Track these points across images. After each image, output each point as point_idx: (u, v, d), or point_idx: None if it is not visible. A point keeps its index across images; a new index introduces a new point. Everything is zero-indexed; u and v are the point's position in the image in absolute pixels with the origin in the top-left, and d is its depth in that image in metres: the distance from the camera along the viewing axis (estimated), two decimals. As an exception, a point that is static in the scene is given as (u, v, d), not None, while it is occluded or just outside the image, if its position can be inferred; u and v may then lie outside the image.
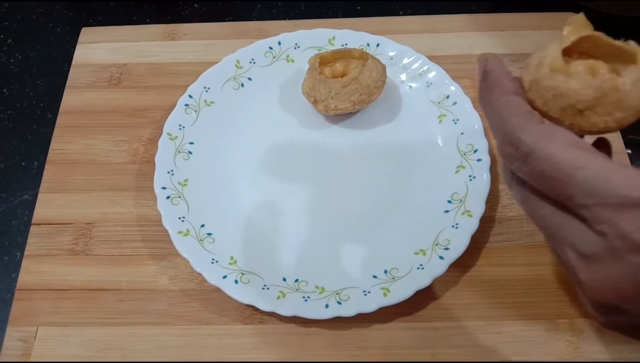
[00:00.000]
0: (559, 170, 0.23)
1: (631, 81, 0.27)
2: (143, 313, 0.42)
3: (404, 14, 0.58)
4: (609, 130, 0.29)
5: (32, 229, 0.45)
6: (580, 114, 0.28)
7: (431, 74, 0.49)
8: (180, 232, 0.42)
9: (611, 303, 0.24)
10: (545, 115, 0.30)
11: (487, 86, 0.26)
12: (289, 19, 0.57)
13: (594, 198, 0.22)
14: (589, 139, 0.29)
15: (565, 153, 0.23)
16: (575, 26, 0.30)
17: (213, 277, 0.40)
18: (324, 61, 0.47)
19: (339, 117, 0.49)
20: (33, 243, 0.45)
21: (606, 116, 0.28)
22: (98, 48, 0.54)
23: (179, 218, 0.43)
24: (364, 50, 0.49)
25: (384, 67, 0.47)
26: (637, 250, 0.22)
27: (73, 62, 0.54)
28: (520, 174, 0.24)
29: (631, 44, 0.29)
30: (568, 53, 0.30)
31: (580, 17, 0.30)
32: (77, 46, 0.55)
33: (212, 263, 0.41)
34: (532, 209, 0.25)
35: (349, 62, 0.47)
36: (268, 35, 0.52)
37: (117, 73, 0.53)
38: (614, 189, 0.22)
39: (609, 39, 0.29)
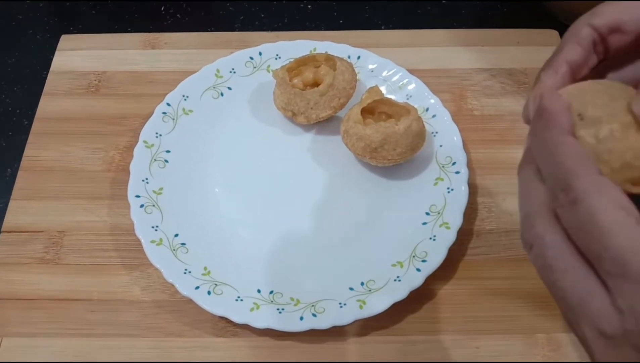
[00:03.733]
0: (598, 228, 0.21)
1: (404, 127, 0.43)
2: (113, 324, 0.41)
3: (385, 29, 0.58)
4: (396, 161, 0.44)
5: (2, 236, 0.44)
6: (375, 150, 0.43)
7: (411, 87, 0.49)
8: (153, 241, 0.41)
9: None
10: (355, 154, 0.44)
11: (543, 124, 0.24)
12: (272, 31, 0.57)
13: (619, 269, 0.21)
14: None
15: (609, 213, 0.21)
16: (370, 94, 0.45)
17: (185, 288, 0.40)
18: (289, 71, 0.47)
19: (318, 123, 0.48)
20: (2, 251, 0.44)
21: (392, 151, 0.43)
22: (77, 55, 0.54)
23: (152, 227, 0.42)
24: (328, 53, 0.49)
25: (352, 65, 0.47)
26: None
27: (51, 69, 0.53)
28: (563, 220, 0.23)
29: (407, 103, 0.45)
30: (370, 111, 0.45)
31: (375, 88, 0.46)
32: (56, 53, 0.54)
33: (185, 273, 0.40)
34: (555, 277, 0.23)
35: (316, 67, 0.47)
36: (250, 46, 0.52)
37: (95, 80, 0.52)
38: (639, 266, 0.20)
39: (393, 101, 0.46)
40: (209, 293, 0.40)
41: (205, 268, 0.41)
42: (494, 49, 0.54)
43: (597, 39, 0.27)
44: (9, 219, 0.45)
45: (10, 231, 0.45)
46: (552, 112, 0.24)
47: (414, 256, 0.41)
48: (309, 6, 0.60)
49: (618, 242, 0.21)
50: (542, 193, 0.24)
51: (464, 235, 0.44)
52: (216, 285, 0.40)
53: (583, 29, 0.27)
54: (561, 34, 0.55)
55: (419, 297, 0.41)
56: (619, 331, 0.21)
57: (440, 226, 0.42)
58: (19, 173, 0.47)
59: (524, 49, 0.54)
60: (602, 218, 0.21)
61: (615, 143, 0.24)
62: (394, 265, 0.41)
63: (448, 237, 0.41)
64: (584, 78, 0.27)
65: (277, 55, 0.51)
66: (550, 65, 0.27)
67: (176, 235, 0.42)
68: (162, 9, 0.60)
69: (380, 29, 0.58)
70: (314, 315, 0.39)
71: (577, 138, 0.24)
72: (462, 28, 0.57)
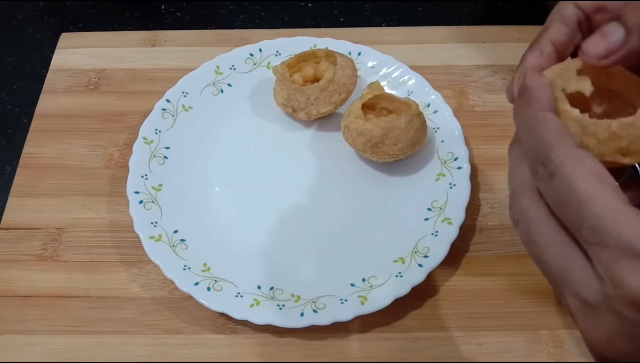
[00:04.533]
0: (575, 198, 0.22)
1: (405, 122, 0.42)
2: (111, 321, 0.40)
3: (386, 26, 0.58)
4: (397, 156, 0.43)
5: (0, 234, 0.44)
6: (376, 146, 0.42)
7: (411, 83, 0.49)
8: (152, 237, 0.41)
9: (607, 356, 0.23)
10: (356, 149, 0.44)
11: (524, 101, 0.25)
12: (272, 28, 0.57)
13: (598, 237, 0.21)
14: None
15: (585, 182, 0.22)
16: (371, 89, 0.45)
17: (184, 284, 0.39)
18: (290, 67, 0.47)
19: (319, 119, 0.48)
20: (0, 248, 0.43)
21: (393, 146, 0.42)
22: (77, 53, 0.54)
23: (152, 223, 0.42)
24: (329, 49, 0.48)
25: (352, 61, 0.47)
26: (631, 303, 0.20)
27: (51, 67, 0.53)
28: (543, 194, 0.23)
29: (408, 98, 0.45)
30: (371, 107, 0.45)
31: (376, 83, 0.46)
32: (56, 51, 0.54)
33: (184, 269, 0.40)
34: (540, 251, 0.24)
35: (317, 63, 0.47)
36: (249, 43, 0.52)
37: (95, 78, 0.52)
38: (617, 233, 0.21)
39: (394, 96, 0.45)
40: (208, 289, 0.39)
41: (204, 264, 0.41)
42: (495, 46, 0.54)
43: (582, 17, 0.27)
44: (7, 216, 0.45)
45: (8, 229, 0.44)
46: (533, 90, 0.24)
47: (415, 252, 0.41)
48: (309, 4, 0.60)
49: (595, 211, 0.21)
50: (526, 169, 0.25)
51: (466, 231, 0.43)
52: (216, 281, 0.40)
53: (568, 8, 0.27)
54: (563, 31, 0.54)
55: (421, 293, 0.41)
56: (600, 298, 0.22)
57: (442, 221, 0.42)
58: (18, 170, 0.47)
59: (525, 45, 0.52)
60: (579, 189, 0.22)
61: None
62: (395, 261, 0.40)
63: (450, 233, 0.41)
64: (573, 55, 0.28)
65: (277, 52, 0.51)
66: (536, 45, 0.27)
67: (175, 231, 0.42)
68: (162, 7, 0.60)
69: (381, 27, 0.58)
70: (314, 311, 0.38)
71: (563, 112, 0.25)
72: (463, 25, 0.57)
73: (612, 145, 0.24)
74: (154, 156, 0.45)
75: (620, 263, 0.21)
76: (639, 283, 0.20)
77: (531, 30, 0.54)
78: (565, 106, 0.24)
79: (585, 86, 0.25)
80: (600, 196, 0.21)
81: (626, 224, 0.21)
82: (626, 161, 0.24)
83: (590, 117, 0.25)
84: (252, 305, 0.39)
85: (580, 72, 0.26)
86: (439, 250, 0.40)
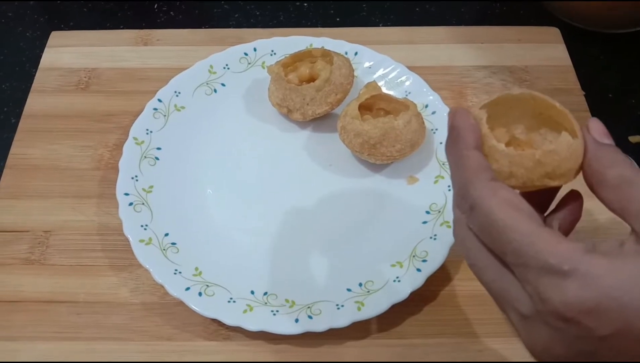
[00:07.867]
0: (494, 227, 0.24)
1: (403, 123, 0.41)
2: (100, 327, 0.39)
3: (383, 27, 0.57)
4: (395, 158, 0.42)
5: (-15, 237, 0.43)
6: (373, 147, 0.42)
7: (409, 83, 0.48)
8: (141, 241, 0.40)
9: (547, 361, 0.25)
10: (352, 151, 0.43)
11: (452, 140, 0.27)
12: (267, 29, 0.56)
13: (519, 259, 0.23)
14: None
15: (501, 211, 0.24)
16: (368, 89, 0.44)
17: (175, 289, 0.38)
18: (285, 66, 0.46)
19: (315, 120, 0.47)
20: (-15, 251, 0.42)
21: (390, 147, 0.42)
22: (67, 52, 0.52)
23: (142, 226, 0.40)
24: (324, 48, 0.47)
25: (349, 61, 0.46)
26: (559, 316, 0.23)
27: (40, 66, 0.52)
28: (469, 225, 0.26)
29: (406, 99, 0.44)
30: (368, 107, 0.44)
31: (373, 83, 0.45)
32: (46, 50, 0.53)
33: (175, 274, 0.39)
34: (479, 273, 0.26)
35: (312, 63, 0.46)
36: (244, 42, 0.51)
37: (85, 77, 0.51)
38: (535, 254, 0.23)
39: (392, 96, 0.44)
40: (200, 294, 0.38)
41: (196, 269, 0.39)
42: (494, 46, 0.53)
43: None
44: (-7, 218, 0.44)
45: (-6, 231, 0.43)
46: (459, 129, 0.26)
47: (414, 256, 0.40)
48: (305, 4, 0.59)
49: (513, 236, 0.23)
50: None
51: (466, 235, 0.42)
52: (207, 286, 0.38)
53: None
54: (562, 31, 0.54)
55: (420, 299, 0.40)
56: (533, 312, 0.24)
57: (441, 225, 0.41)
58: (5, 171, 0.46)
59: (524, 46, 0.53)
60: (497, 218, 0.24)
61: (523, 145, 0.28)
62: (393, 265, 0.39)
63: (449, 236, 0.40)
64: None
65: (272, 51, 0.50)
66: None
67: (166, 234, 0.41)
68: (155, 7, 0.59)
69: (378, 27, 0.57)
70: (309, 317, 0.37)
71: (490, 147, 0.26)
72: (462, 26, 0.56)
73: (539, 171, 0.26)
74: (145, 157, 0.44)
75: (542, 281, 0.23)
76: (560, 298, 0.22)
77: (531, 31, 0.54)
78: (492, 142, 0.26)
79: (509, 121, 0.28)
80: (516, 222, 0.24)
81: (542, 245, 0.23)
82: (555, 183, 0.26)
83: (517, 143, 0.28)
84: (245, 311, 0.38)
85: (505, 105, 0.28)
86: (438, 254, 0.39)
